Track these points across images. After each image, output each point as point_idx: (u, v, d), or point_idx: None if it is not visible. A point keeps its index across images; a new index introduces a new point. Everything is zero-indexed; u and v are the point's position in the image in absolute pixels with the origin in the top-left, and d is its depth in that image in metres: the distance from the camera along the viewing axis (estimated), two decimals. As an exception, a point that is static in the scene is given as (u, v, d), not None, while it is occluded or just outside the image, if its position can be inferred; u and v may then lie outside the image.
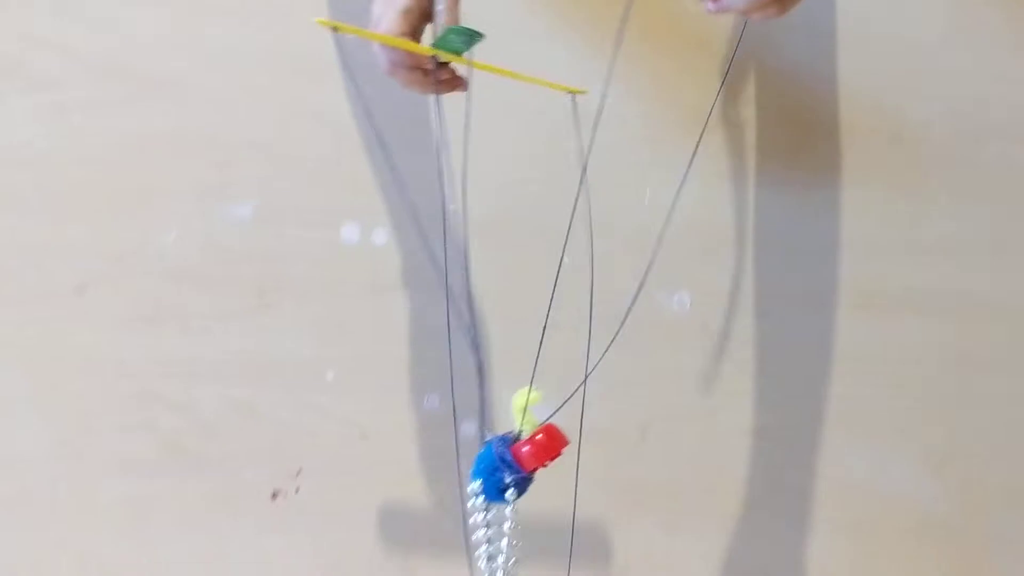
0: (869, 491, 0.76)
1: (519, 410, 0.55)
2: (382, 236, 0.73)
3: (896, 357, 0.76)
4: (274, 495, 0.73)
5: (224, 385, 0.73)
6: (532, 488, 0.56)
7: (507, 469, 0.54)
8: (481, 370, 0.69)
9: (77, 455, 0.72)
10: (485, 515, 0.55)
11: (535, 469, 0.54)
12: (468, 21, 0.56)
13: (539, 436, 0.54)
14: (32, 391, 0.72)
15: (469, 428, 0.73)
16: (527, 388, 0.55)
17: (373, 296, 0.73)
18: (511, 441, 0.54)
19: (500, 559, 0.56)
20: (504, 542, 0.55)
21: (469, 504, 0.54)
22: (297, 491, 0.73)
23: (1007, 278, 0.77)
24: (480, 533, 0.55)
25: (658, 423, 0.75)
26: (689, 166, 0.61)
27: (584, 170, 0.65)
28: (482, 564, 0.56)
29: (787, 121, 0.77)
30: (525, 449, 0.53)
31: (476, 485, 0.54)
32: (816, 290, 0.76)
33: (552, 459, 0.54)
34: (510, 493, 0.54)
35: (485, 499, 0.54)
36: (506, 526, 0.55)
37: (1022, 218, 0.77)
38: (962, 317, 0.76)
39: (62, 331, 0.72)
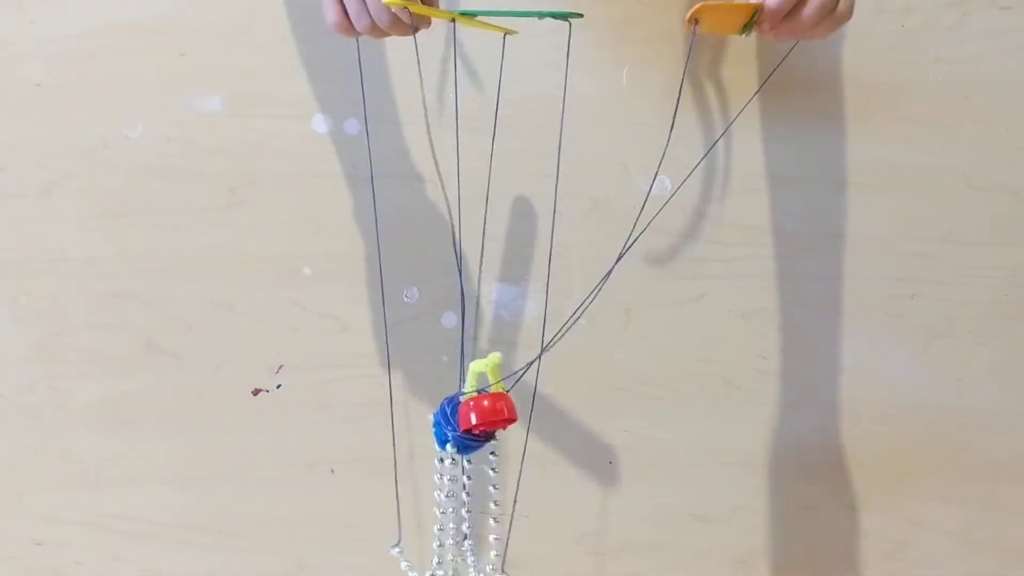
0: (859, 372, 0.77)
1: (473, 373, 0.57)
2: (354, 126, 0.72)
3: (886, 236, 0.75)
4: (255, 392, 0.73)
5: (199, 282, 0.73)
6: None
7: (447, 424, 0.57)
8: (460, 259, 0.69)
9: (53, 356, 0.72)
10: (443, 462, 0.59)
11: (469, 431, 0.57)
12: None
13: (485, 401, 0.56)
14: (4, 293, 0.72)
15: (449, 320, 0.74)
16: (492, 355, 0.57)
17: (348, 188, 0.73)
18: (459, 400, 0.58)
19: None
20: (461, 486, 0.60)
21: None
22: (278, 387, 0.73)
23: (993, 154, 0.76)
24: (437, 478, 0.60)
25: (642, 309, 0.75)
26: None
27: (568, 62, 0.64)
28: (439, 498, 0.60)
29: None
30: (465, 409, 0.56)
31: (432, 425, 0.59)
32: (801, 169, 0.75)
33: (490, 426, 0.56)
34: (449, 447, 0.58)
35: (438, 445, 0.59)
36: (446, 479, 0.59)
37: (1010, 94, 0.75)
38: (951, 195, 0.75)
39: (32, 233, 0.72)
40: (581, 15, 0.59)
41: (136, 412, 0.73)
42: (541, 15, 0.59)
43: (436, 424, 0.58)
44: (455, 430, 0.57)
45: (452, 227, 0.72)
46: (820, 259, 0.75)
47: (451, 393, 0.59)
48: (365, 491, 0.75)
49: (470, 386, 0.57)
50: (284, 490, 0.74)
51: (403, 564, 0.63)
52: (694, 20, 0.54)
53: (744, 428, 0.77)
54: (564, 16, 0.59)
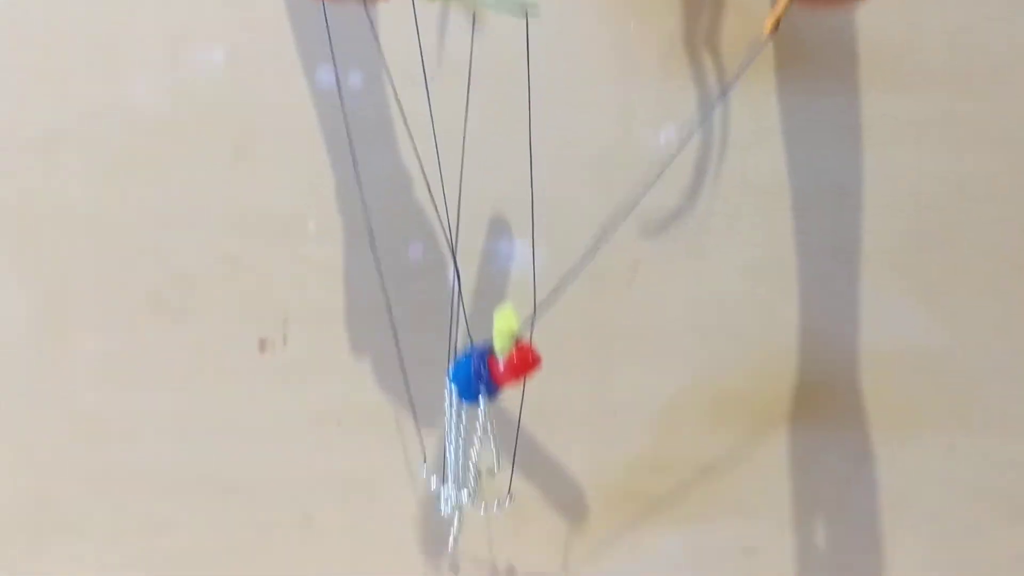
0: (865, 323, 0.77)
1: (500, 333, 0.60)
2: (358, 80, 0.72)
3: (893, 189, 0.76)
4: (262, 346, 0.73)
5: (203, 237, 0.73)
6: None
7: (481, 383, 0.61)
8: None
9: (58, 312, 0.73)
10: (459, 416, 0.64)
11: (507, 384, 0.61)
12: None
13: (514, 356, 0.60)
14: (8, 250, 0.72)
15: (454, 274, 0.74)
16: (508, 311, 0.60)
17: (352, 143, 0.72)
18: (487, 356, 0.61)
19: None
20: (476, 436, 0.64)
21: (445, 403, 0.64)
22: (285, 340, 0.73)
23: (1004, 107, 0.76)
24: (452, 432, 0.64)
25: (645, 263, 0.75)
26: None
27: None
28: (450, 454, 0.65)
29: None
30: (500, 368, 0.60)
31: (453, 388, 0.63)
32: (807, 121, 0.75)
33: (525, 376, 0.61)
34: (483, 399, 0.62)
35: (461, 400, 0.63)
36: (477, 422, 0.63)
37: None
38: (957, 146, 0.76)
39: (36, 189, 0.72)
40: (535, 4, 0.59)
41: (141, 366, 0.73)
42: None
43: (460, 379, 0.61)
44: (492, 385, 0.61)
45: (442, 187, 0.71)
46: (825, 212, 0.76)
47: (464, 351, 0.62)
48: (372, 444, 0.75)
49: (502, 344, 0.60)
50: (291, 443, 0.75)
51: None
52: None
53: (747, 379, 0.77)
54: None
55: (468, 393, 0.62)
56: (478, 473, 0.66)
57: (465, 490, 0.66)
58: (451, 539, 0.69)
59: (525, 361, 0.60)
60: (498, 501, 0.67)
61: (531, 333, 0.62)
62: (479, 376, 0.61)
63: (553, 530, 0.79)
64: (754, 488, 0.79)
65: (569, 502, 0.78)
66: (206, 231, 0.73)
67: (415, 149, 0.66)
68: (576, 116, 0.74)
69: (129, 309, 0.73)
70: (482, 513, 0.67)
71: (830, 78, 0.76)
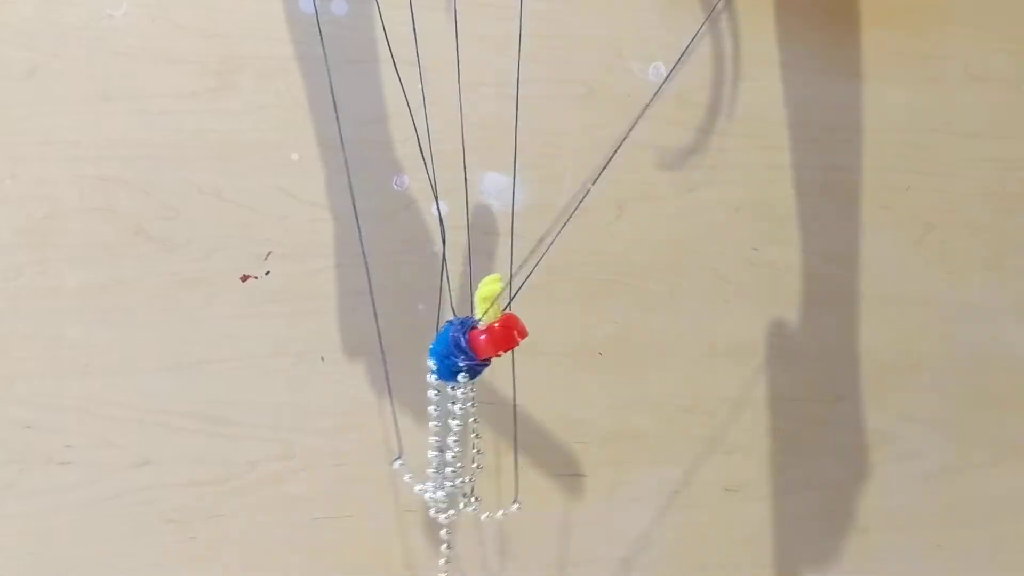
0: (851, 263, 0.78)
1: (482, 299, 0.58)
2: (342, 7, 0.72)
3: (881, 126, 0.76)
4: (244, 278, 0.74)
5: (187, 168, 0.73)
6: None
7: (461, 355, 0.59)
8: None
9: (40, 242, 0.73)
10: (437, 392, 0.61)
11: (489, 357, 0.58)
12: None
13: (496, 325, 0.57)
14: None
15: (443, 207, 0.74)
16: (493, 278, 0.58)
17: (335, 71, 0.72)
18: (470, 326, 0.58)
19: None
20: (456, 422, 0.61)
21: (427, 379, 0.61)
22: (267, 274, 0.74)
23: (993, 44, 0.76)
24: (432, 409, 0.61)
25: (633, 201, 0.76)
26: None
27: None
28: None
29: None
30: (482, 338, 0.57)
31: (431, 364, 0.60)
32: (795, 58, 0.75)
33: (507, 350, 0.58)
34: (462, 376, 0.59)
35: (438, 378, 0.60)
36: (457, 407, 0.61)
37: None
38: (949, 85, 0.76)
39: (17, 116, 0.72)
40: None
41: (125, 298, 0.74)
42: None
43: (441, 358, 0.58)
44: (472, 359, 0.58)
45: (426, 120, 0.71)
46: (813, 150, 0.77)
47: (438, 332, 0.60)
48: (355, 380, 0.76)
49: (482, 311, 0.57)
50: (274, 377, 0.76)
51: (407, 477, 0.66)
52: None
53: (733, 319, 0.79)
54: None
55: (447, 367, 0.58)
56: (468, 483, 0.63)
57: (456, 493, 0.63)
58: (443, 548, 0.67)
59: (509, 333, 0.57)
60: (503, 511, 0.67)
61: (510, 277, 0.63)
62: (457, 347, 0.58)
63: (541, 469, 0.80)
64: (737, 428, 0.80)
65: (558, 441, 0.80)
66: (190, 162, 0.73)
67: (400, 80, 0.66)
68: (565, 49, 0.74)
69: (113, 240, 0.73)
70: (483, 519, 0.67)
71: (818, 15, 0.76)
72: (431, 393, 0.61)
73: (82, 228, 0.73)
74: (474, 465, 0.63)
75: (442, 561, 0.66)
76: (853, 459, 0.82)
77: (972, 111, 0.77)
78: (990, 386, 0.81)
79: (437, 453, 0.62)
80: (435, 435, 0.61)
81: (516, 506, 0.66)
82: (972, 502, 0.83)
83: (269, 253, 0.74)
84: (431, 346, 0.59)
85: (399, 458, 0.69)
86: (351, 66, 0.73)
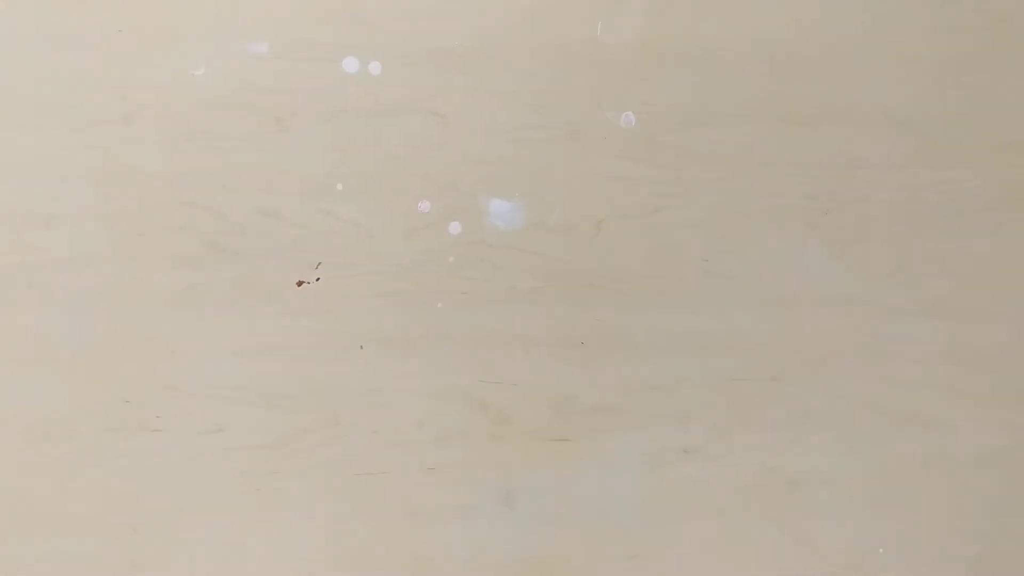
0: (788, 271, 0.95)
1: None
2: (377, 68, 0.90)
3: (801, 160, 0.94)
4: (299, 283, 0.92)
5: (252, 195, 0.91)
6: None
7: None
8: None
9: (136, 253, 0.90)
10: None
11: None
12: None
13: None
14: (94, 201, 0.89)
15: (455, 227, 0.92)
16: None
17: (373, 119, 0.90)
18: None
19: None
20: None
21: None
22: (318, 280, 0.92)
23: (903, 85, 0.94)
24: None
25: (610, 220, 0.93)
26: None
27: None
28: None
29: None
30: None
31: None
32: (737, 105, 0.93)
33: None
34: None
35: None
36: None
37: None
38: (858, 123, 0.94)
39: (116, 153, 0.89)
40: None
41: (202, 299, 0.91)
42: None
43: None
44: None
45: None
46: (754, 180, 0.94)
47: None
48: (387, 363, 0.93)
49: None
50: (322, 361, 0.93)
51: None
52: None
53: (692, 317, 0.95)
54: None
55: None
56: None
57: None
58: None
59: None
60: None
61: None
62: None
63: (525, 435, 0.96)
64: (692, 404, 0.97)
65: (540, 413, 0.97)
66: (254, 190, 0.91)
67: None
68: (555, 101, 0.92)
69: (193, 252, 0.91)
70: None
71: (751, 61, 0.95)
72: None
73: (169, 243, 0.91)
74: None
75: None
76: (785, 428, 0.99)
77: (882, 145, 0.95)
78: (909, 374, 0.97)
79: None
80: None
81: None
82: (881, 462, 1.00)
83: (319, 263, 0.92)
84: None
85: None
86: (385, 115, 0.91)
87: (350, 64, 0.91)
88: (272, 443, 0.93)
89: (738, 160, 0.94)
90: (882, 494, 0.97)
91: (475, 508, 0.95)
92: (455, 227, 0.93)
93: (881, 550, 0.98)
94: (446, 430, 0.94)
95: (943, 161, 0.96)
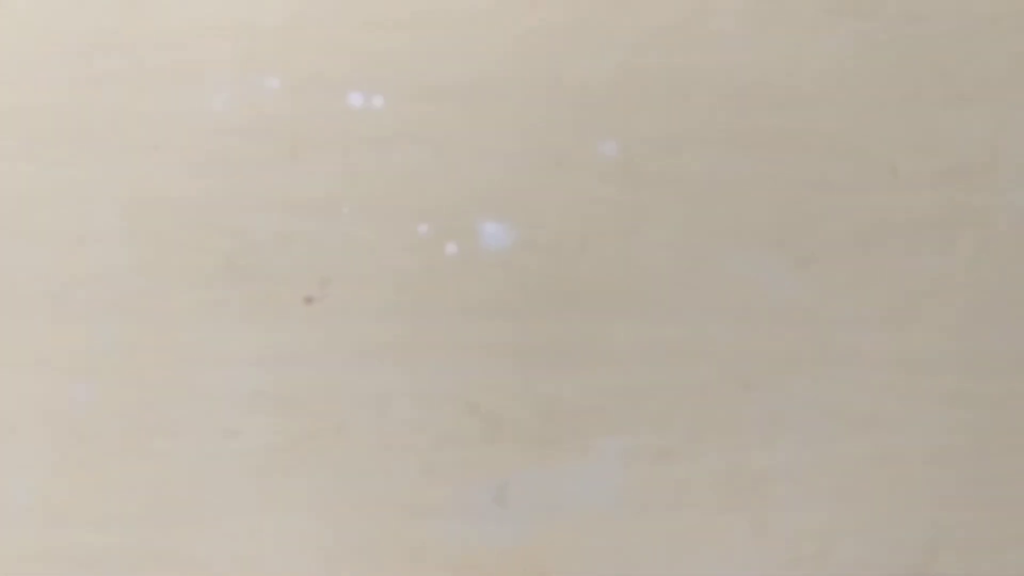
0: (745, 284, 1.04)
1: None
2: (380, 102, 0.99)
3: (769, 186, 1.03)
4: (307, 299, 1.00)
5: (264, 216, 0.99)
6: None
7: None
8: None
9: (159, 271, 0.98)
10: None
11: None
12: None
13: None
14: (120, 224, 0.98)
15: (451, 247, 1.01)
16: None
17: (376, 148, 0.99)
18: None
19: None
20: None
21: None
22: (325, 296, 1.00)
23: (857, 118, 1.04)
24: None
25: (595, 239, 1.02)
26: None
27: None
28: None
29: None
30: None
31: None
32: (728, 131, 1.02)
33: None
34: None
35: None
36: None
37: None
38: (809, 156, 1.03)
39: (140, 181, 0.98)
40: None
41: (220, 313, 1.00)
42: None
43: None
44: None
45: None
46: (724, 202, 1.02)
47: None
48: (390, 372, 1.01)
49: None
50: (330, 370, 1.00)
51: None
52: None
53: (669, 328, 1.03)
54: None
55: None
56: None
57: None
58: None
59: None
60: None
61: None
62: None
63: (515, 438, 1.03)
64: (669, 406, 1.05)
65: (529, 417, 1.05)
66: (266, 212, 1.00)
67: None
68: (542, 130, 1.02)
69: (211, 269, 0.99)
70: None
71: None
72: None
73: (189, 261, 0.99)
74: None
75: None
76: (753, 430, 1.07)
77: (836, 173, 1.05)
78: (860, 378, 1.06)
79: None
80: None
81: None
82: (847, 458, 1.08)
83: (327, 281, 1.01)
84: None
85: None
86: (386, 144, 1.00)
87: (355, 98, 1.00)
88: (283, 446, 1.01)
89: (709, 184, 1.03)
90: (842, 488, 1.06)
91: (469, 505, 1.03)
92: (451, 247, 1.02)
93: (841, 537, 1.07)
94: (442, 434, 1.02)
95: (897, 185, 1.05)
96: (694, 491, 1.05)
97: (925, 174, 1.06)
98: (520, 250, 1.02)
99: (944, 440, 1.08)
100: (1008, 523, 1.08)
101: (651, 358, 1.04)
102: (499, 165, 1.01)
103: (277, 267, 1.00)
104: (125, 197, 0.98)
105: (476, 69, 1.01)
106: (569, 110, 1.02)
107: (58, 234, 0.97)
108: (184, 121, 0.98)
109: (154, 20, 0.97)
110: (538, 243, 1.02)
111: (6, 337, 0.98)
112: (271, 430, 1.01)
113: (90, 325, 0.98)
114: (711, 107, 1.03)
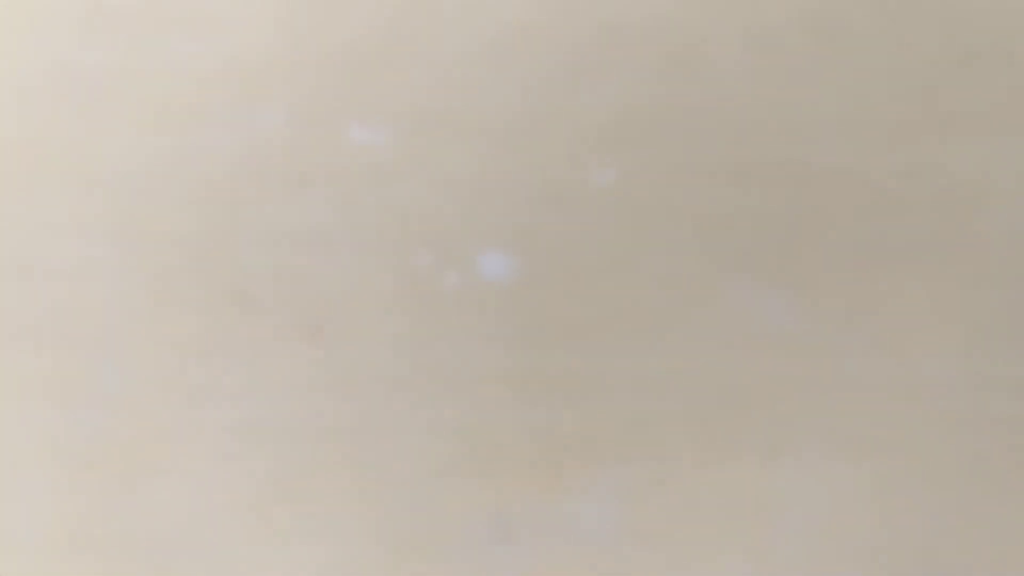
0: (725, 305, 1.06)
1: None
2: (380, 136, 1.01)
3: (755, 225, 1.05)
4: (309, 332, 1.02)
5: (274, 248, 1.01)
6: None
7: None
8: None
9: (161, 303, 1.00)
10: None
11: None
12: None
13: None
14: (122, 257, 0.99)
15: (451, 278, 1.02)
16: None
17: (376, 181, 1.01)
18: None
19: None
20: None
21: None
22: (326, 326, 1.02)
23: (831, 134, 1.05)
24: None
25: (592, 271, 1.04)
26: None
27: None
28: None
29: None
30: None
31: None
32: (720, 163, 1.04)
33: None
34: None
35: None
36: None
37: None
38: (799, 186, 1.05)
39: (144, 216, 1.00)
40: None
41: (222, 343, 1.01)
42: None
43: None
44: None
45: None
46: (718, 233, 1.04)
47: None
48: (391, 401, 1.03)
49: None
50: (331, 399, 1.02)
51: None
52: None
53: (666, 360, 1.04)
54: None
55: None
56: None
57: None
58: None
59: None
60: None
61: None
62: None
63: (514, 466, 1.06)
64: (667, 436, 1.07)
65: (528, 446, 1.06)
66: (276, 244, 1.01)
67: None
68: (541, 162, 1.04)
69: (216, 298, 1.01)
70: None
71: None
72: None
73: (190, 294, 1.01)
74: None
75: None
76: (751, 459, 1.08)
77: (823, 205, 1.06)
78: (852, 404, 1.07)
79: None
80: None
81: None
82: (844, 483, 1.09)
83: (328, 311, 1.02)
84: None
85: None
86: (387, 177, 1.02)
87: (356, 132, 1.01)
88: (285, 475, 1.02)
89: (708, 214, 1.05)
90: (841, 515, 1.06)
91: (467, 538, 1.03)
92: (450, 278, 1.03)
93: (839, 563, 1.07)
94: (443, 462, 1.03)
95: (886, 214, 1.07)
96: (692, 519, 1.06)
97: (921, 200, 1.07)
98: (521, 280, 1.03)
99: (944, 466, 1.09)
100: (1008, 549, 1.08)
101: (651, 388, 1.05)
102: (498, 198, 1.03)
103: (278, 298, 1.02)
104: (126, 230, 1.00)
105: (475, 102, 1.03)
106: (568, 141, 1.03)
107: (60, 266, 0.99)
108: (185, 154, 1.00)
109: (154, 54, 0.99)
110: (538, 273, 1.03)
111: (9, 368, 1.00)
112: (271, 463, 1.02)
113: (92, 357, 0.99)
114: (710, 138, 1.05)
